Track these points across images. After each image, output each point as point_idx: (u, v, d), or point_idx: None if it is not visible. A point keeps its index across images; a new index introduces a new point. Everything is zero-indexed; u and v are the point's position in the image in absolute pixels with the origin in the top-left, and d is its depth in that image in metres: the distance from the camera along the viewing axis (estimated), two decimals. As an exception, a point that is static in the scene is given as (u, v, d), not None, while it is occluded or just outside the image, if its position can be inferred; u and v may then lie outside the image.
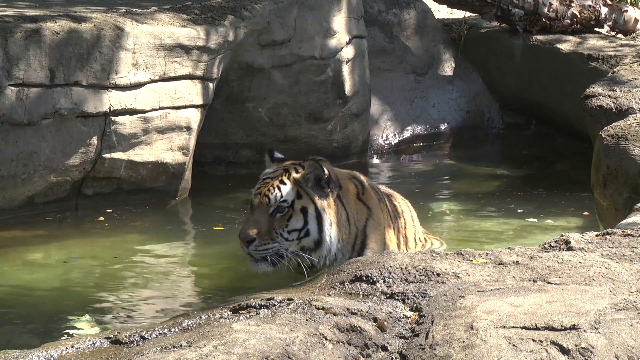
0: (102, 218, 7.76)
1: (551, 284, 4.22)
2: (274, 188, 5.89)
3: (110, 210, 7.95)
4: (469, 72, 11.03)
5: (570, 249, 4.69)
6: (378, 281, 4.28)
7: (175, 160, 8.21)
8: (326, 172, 5.91)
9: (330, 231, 5.90)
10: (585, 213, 7.85)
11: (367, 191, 6.21)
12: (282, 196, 5.87)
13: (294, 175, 5.95)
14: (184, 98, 8.16)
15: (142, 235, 7.54)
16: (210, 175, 9.03)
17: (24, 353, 3.79)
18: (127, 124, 7.89)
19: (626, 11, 11.02)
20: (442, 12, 12.16)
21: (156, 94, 8.00)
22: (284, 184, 5.91)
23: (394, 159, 10.22)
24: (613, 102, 8.07)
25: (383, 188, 6.85)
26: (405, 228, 6.47)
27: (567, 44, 10.49)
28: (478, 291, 4.16)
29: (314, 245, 5.91)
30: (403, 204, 6.63)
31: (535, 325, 3.80)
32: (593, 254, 4.57)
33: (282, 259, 5.84)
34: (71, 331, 5.56)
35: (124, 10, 8.15)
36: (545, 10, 10.66)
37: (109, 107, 7.78)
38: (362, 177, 6.34)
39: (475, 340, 3.72)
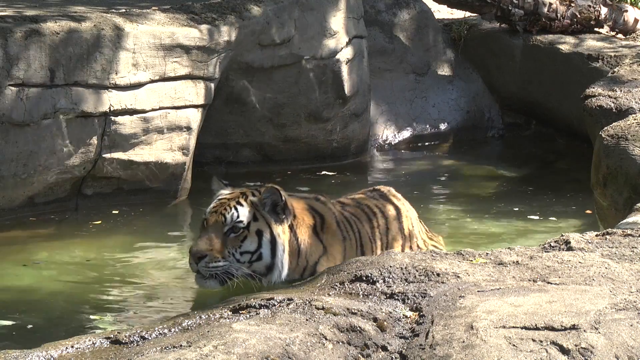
0: (99, 221, 7.75)
1: (551, 284, 4.23)
2: (230, 208, 5.80)
3: (110, 211, 7.94)
4: (469, 72, 11.03)
5: (570, 249, 4.69)
6: (378, 281, 4.28)
7: (175, 160, 8.22)
8: (283, 198, 5.84)
9: (283, 257, 5.81)
10: (588, 211, 7.84)
11: (328, 228, 6.05)
12: (238, 216, 5.78)
13: (251, 198, 5.87)
14: (184, 98, 8.16)
15: (142, 236, 7.53)
16: (210, 176, 9.01)
17: (24, 353, 3.79)
18: (127, 124, 7.89)
19: (626, 11, 11.02)
20: (442, 12, 12.16)
21: (156, 94, 8.00)
22: (241, 205, 5.82)
23: (393, 158, 10.22)
24: (613, 102, 8.07)
25: (385, 189, 6.65)
26: (391, 241, 6.31)
27: (567, 44, 10.49)
28: (478, 291, 4.16)
29: (265, 270, 5.81)
30: (391, 212, 6.41)
31: (535, 325, 3.80)
32: (593, 254, 4.57)
33: (230, 278, 5.71)
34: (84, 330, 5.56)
35: (123, 10, 8.15)
36: (545, 10, 10.66)
37: (109, 107, 7.78)
38: (328, 212, 6.11)
39: (475, 340, 3.72)
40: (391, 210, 6.39)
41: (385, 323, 3.96)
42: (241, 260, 5.75)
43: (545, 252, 4.66)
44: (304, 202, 6.12)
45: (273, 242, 5.79)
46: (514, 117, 11.04)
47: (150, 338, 3.87)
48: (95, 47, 7.66)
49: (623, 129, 6.90)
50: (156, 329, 3.94)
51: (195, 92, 8.23)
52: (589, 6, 10.79)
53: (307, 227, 5.96)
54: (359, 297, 4.19)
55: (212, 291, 6.17)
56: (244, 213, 5.78)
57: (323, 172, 9.25)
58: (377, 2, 10.70)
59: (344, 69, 9.36)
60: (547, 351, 3.67)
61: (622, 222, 5.58)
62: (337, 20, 9.27)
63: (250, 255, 5.77)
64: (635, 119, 7.08)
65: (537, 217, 8.00)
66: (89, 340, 3.89)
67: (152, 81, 7.97)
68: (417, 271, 4.34)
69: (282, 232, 5.82)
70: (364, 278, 4.31)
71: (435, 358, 3.68)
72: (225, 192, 6.00)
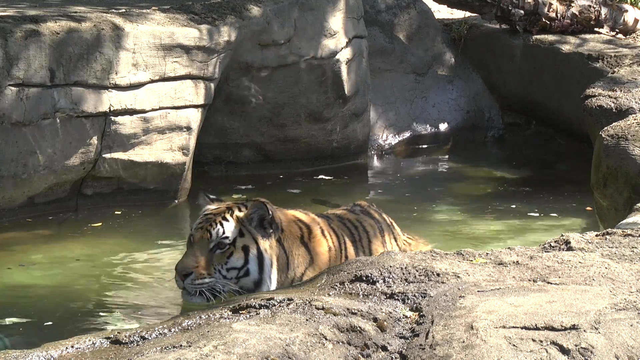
0: (99, 222, 7.75)
1: (551, 284, 4.23)
2: (216, 224, 5.72)
3: (110, 211, 7.94)
4: (469, 72, 11.03)
5: (570, 249, 4.69)
6: (378, 281, 4.28)
7: (175, 161, 8.22)
8: (270, 212, 5.78)
9: (271, 272, 5.73)
10: (588, 208, 7.83)
11: (314, 236, 6.00)
12: (224, 232, 5.70)
13: (237, 213, 5.79)
14: (184, 98, 8.16)
15: (142, 235, 7.54)
16: (210, 176, 9.03)
17: (24, 353, 3.79)
18: (127, 124, 7.90)
19: (626, 11, 11.02)
20: (442, 12, 12.16)
21: (156, 94, 8.01)
22: (227, 220, 5.74)
23: (393, 158, 10.22)
24: (613, 102, 8.07)
25: (365, 204, 6.60)
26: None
27: (567, 44, 10.49)
28: (478, 291, 4.16)
29: (253, 285, 5.72)
30: (373, 226, 6.36)
31: (535, 325, 3.80)
32: (593, 254, 4.57)
33: (217, 295, 5.62)
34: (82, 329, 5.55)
35: (123, 10, 8.16)
36: (545, 10, 10.66)
37: (109, 107, 7.78)
38: (314, 222, 6.07)
39: (475, 340, 3.72)
40: (372, 225, 6.36)
41: (385, 323, 3.96)
42: (228, 277, 5.68)
43: (545, 252, 4.66)
44: (290, 214, 6.09)
45: (260, 257, 5.72)
46: (514, 117, 11.04)
47: (150, 338, 3.87)
48: (95, 47, 7.66)
49: (623, 129, 6.90)
50: (156, 329, 3.94)
51: (195, 92, 8.24)
52: (589, 6, 10.79)
53: (295, 239, 5.91)
54: (359, 297, 4.19)
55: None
56: (229, 229, 5.72)
57: (320, 176, 9.24)
58: (377, 2, 10.70)
59: (344, 69, 9.36)
60: (547, 351, 3.67)
61: (622, 222, 5.58)
62: (337, 20, 9.27)
63: (237, 272, 5.70)
64: (635, 119, 7.08)
65: (537, 217, 8.00)
66: (89, 340, 3.89)
67: (152, 81, 7.98)
68: (417, 271, 4.34)
69: (269, 247, 5.75)
70: (364, 278, 4.31)
71: (435, 358, 3.68)
72: (211, 207, 5.91)
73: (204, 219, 5.80)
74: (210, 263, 5.66)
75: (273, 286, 5.75)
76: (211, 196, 6.08)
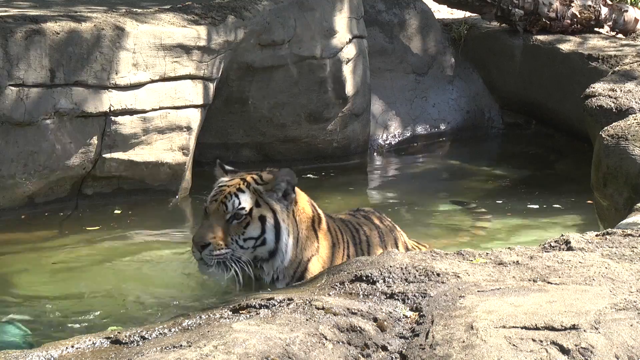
0: (99, 221, 7.75)
1: (551, 284, 4.23)
2: (231, 195, 5.75)
3: (110, 210, 7.94)
4: (469, 72, 11.03)
5: (570, 249, 4.69)
6: (378, 281, 4.28)
7: (175, 160, 8.22)
8: (292, 183, 5.80)
9: (288, 241, 5.76)
10: (589, 201, 7.82)
11: (323, 227, 6.01)
12: (240, 203, 5.73)
13: (253, 184, 5.83)
14: (184, 98, 8.16)
15: (142, 235, 7.53)
16: (210, 175, 9.01)
17: (24, 353, 3.79)
18: (127, 124, 7.90)
19: (626, 11, 11.02)
20: (442, 12, 12.17)
21: (156, 94, 8.01)
22: (242, 191, 5.77)
23: (394, 158, 10.22)
24: (613, 102, 8.07)
25: (368, 210, 6.65)
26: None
27: (567, 44, 10.50)
28: (478, 291, 4.16)
29: (268, 255, 5.75)
30: (374, 231, 6.36)
31: (535, 325, 3.80)
32: (593, 254, 4.57)
33: (233, 265, 5.64)
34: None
35: (124, 10, 8.16)
36: (545, 10, 10.66)
37: (109, 107, 7.78)
38: (324, 214, 6.09)
39: (475, 340, 3.72)
40: (373, 230, 6.38)
41: (385, 323, 3.96)
42: (245, 247, 5.71)
43: (545, 252, 4.66)
44: (305, 196, 6.10)
45: (277, 227, 5.75)
46: (514, 117, 11.05)
47: (150, 338, 3.87)
48: (96, 47, 7.66)
49: (623, 129, 6.90)
50: (156, 329, 3.94)
51: (195, 92, 8.24)
52: (589, 6, 10.79)
53: (308, 219, 5.95)
54: (359, 297, 4.19)
55: (213, 290, 6.18)
56: (245, 199, 5.75)
57: (308, 175, 9.22)
58: (377, 2, 10.71)
59: (344, 69, 9.36)
60: (547, 351, 3.67)
61: (622, 222, 5.58)
62: (337, 20, 9.27)
63: (254, 241, 5.73)
64: (635, 119, 7.09)
65: (537, 216, 8.00)
66: (89, 340, 3.89)
67: (152, 81, 7.98)
68: (417, 271, 4.34)
69: (286, 216, 5.79)
70: (364, 278, 4.31)
71: (435, 358, 3.68)
72: (225, 179, 5.96)
73: (219, 191, 5.83)
74: (227, 234, 5.69)
75: (288, 257, 5.76)
76: (227, 167, 6.09)
